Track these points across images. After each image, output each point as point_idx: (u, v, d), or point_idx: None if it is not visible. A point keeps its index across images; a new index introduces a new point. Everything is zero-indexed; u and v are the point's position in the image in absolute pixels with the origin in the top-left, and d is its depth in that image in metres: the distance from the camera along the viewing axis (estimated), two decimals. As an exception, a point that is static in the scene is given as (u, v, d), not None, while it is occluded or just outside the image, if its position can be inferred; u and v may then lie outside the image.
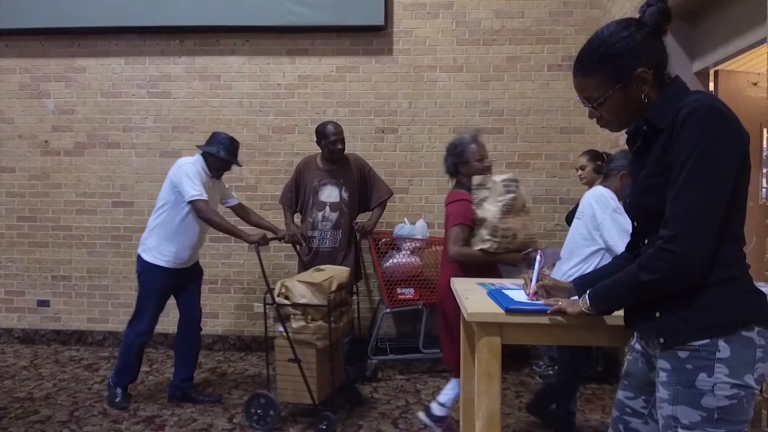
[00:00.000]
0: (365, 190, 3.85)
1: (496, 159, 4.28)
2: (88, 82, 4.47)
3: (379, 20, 4.19)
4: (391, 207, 4.35)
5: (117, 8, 4.25)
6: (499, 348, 1.58)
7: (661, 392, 1.26)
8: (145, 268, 3.21)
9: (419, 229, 4.00)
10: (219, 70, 4.40)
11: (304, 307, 2.89)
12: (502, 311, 1.57)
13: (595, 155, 3.65)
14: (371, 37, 4.31)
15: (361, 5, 4.17)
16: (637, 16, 1.34)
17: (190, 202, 3.09)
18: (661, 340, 1.26)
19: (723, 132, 1.19)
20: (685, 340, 1.22)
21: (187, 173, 3.10)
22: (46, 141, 4.51)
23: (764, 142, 3.44)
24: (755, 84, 3.43)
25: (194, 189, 3.07)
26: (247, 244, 3.47)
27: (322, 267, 3.22)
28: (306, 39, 4.34)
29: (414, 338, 4.12)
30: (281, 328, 2.90)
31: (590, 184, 3.63)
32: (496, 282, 2.11)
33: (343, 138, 3.68)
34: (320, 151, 3.74)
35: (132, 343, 3.24)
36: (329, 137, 3.62)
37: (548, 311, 1.52)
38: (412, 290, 3.83)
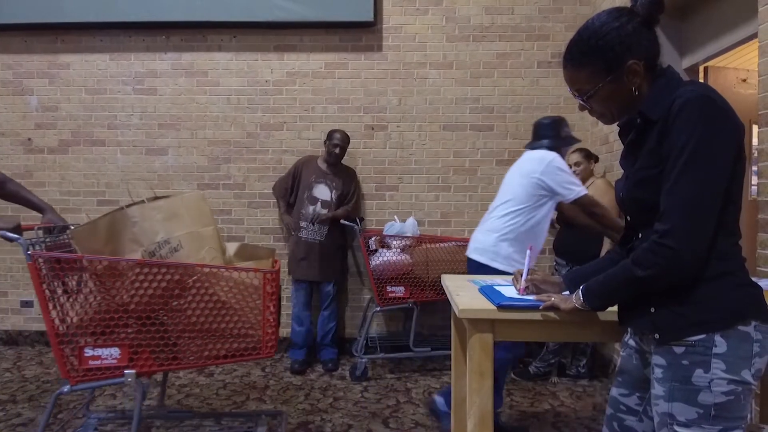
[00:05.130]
0: (346, 199, 4.06)
1: (486, 156, 4.28)
2: (72, 78, 4.40)
3: (369, 16, 4.15)
4: (381, 205, 4.33)
5: (101, 3, 4.18)
6: (491, 345, 1.55)
7: (656, 389, 1.24)
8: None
9: (409, 227, 3.98)
10: (206, 67, 4.35)
11: None
12: (494, 308, 1.54)
13: (588, 154, 3.66)
14: (360, 33, 4.27)
15: (350, 1, 4.13)
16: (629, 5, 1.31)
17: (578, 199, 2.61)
18: (656, 336, 1.24)
19: (718, 123, 1.17)
20: (680, 336, 1.20)
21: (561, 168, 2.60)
22: (29, 138, 4.43)
23: (754, 139, 3.45)
24: (744, 80, 3.44)
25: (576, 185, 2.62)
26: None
27: None
28: (294, 35, 4.29)
29: (404, 337, 4.10)
30: None
31: (583, 182, 3.63)
32: (488, 279, 2.08)
33: (345, 147, 3.96)
34: (323, 152, 4.02)
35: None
36: (332, 140, 3.91)
37: (541, 307, 1.49)
38: (402, 288, 3.80)
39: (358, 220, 3.92)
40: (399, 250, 3.86)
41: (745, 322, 1.18)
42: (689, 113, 1.17)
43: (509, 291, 1.70)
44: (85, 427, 2.67)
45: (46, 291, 2.02)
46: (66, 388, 2.09)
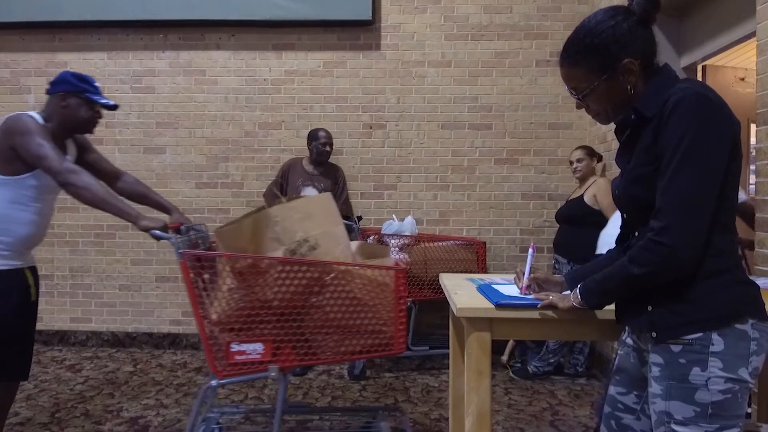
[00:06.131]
0: (336, 197, 4.02)
1: (484, 155, 4.28)
2: (70, 77, 4.38)
3: (367, 15, 4.15)
4: (379, 204, 4.33)
5: (99, 2, 4.18)
6: (489, 344, 1.55)
7: (654, 387, 1.24)
8: None
9: (407, 225, 3.97)
10: (204, 65, 4.34)
11: None
12: (492, 306, 1.54)
13: (591, 151, 3.66)
14: (359, 31, 4.27)
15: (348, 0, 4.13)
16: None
17: None
18: (654, 335, 1.24)
19: (713, 120, 1.17)
20: (677, 334, 1.20)
21: None
22: (26, 137, 4.41)
23: (752, 138, 3.45)
24: (743, 79, 3.44)
25: None
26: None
27: None
28: (292, 34, 4.29)
29: (403, 336, 4.09)
30: None
31: (584, 179, 3.64)
32: (486, 277, 2.08)
33: (332, 143, 3.95)
34: (308, 154, 3.99)
35: None
36: (320, 139, 3.88)
37: (538, 306, 1.49)
38: (400, 287, 3.80)
39: (356, 219, 3.91)
40: (397, 248, 3.86)
41: (742, 320, 1.17)
42: (684, 110, 1.17)
43: (507, 290, 1.70)
44: (208, 422, 2.71)
45: (196, 288, 2.10)
46: (214, 383, 2.21)
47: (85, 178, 2.12)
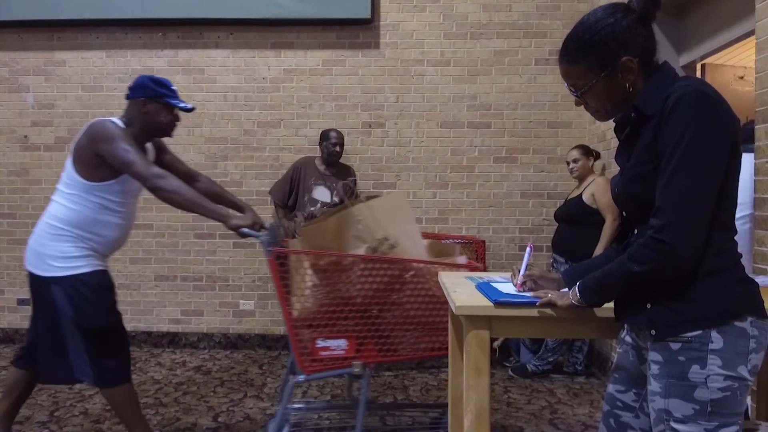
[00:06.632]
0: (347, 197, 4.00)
1: (483, 154, 4.27)
2: (69, 75, 4.38)
3: (366, 13, 4.15)
4: (378, 202, 4.32)
5: (98, 0, 4.17)
6: (488, 342, 1.55)
7: (653, 385, 1.23)
8: None
9: (407, 224, 3.97)
10: (203, 64, 4.34)
11: None
12: (490, 304, 1.53)
13: (587, 150, 3.65)
14: (358, 30, 4.26)
15: (347, -2, 4.13)
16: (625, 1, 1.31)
17: None
18: (653, 332, 1.24)
19: (713, 118, 1.16)
20: (677, 332, 1.20)
21: None
22: (25, 136, 4.41)
23: (751, 136, 3.45)
24: (742, 78, 3.44)
25: None
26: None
27: None
28: (291, 32, 4.28)
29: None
30: None
31: (582, 179, 3.63)
32: (485, 275, 2.08)
33: (343, 144, 3.94)
34: (319, 153, 3.99)
35: None
36: (330, 140, 3.89)
37: (537, 303, 1.49)
38: (399, 286, 3.80)
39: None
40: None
41: (741, 317, 1.17)
42: (684, 108, 1.16)
43: (506, 287, 1.70)
44: (282, 416, 2.73)
45: (284, 286, 2.16)
46: (301, 378, 2.25)
47: (174, 182, 2.16)
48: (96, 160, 2.19)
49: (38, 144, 4.41)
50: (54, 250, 2.21)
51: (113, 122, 2.24)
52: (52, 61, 4.38)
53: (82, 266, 2.23)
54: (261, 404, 3.23)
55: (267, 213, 4.34)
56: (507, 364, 3.94)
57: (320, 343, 2.19)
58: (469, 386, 1.56)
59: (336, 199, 3.89)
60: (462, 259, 2.31)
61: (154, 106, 2.29)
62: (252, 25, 4.25)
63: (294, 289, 2.20)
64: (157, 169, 2.17)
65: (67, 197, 2.24)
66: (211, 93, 4.34)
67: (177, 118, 2.38)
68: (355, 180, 4.10)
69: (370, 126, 4.31)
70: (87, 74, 4.37)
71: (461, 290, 1.75)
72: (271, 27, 4.26)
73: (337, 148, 3.89)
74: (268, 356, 4.19)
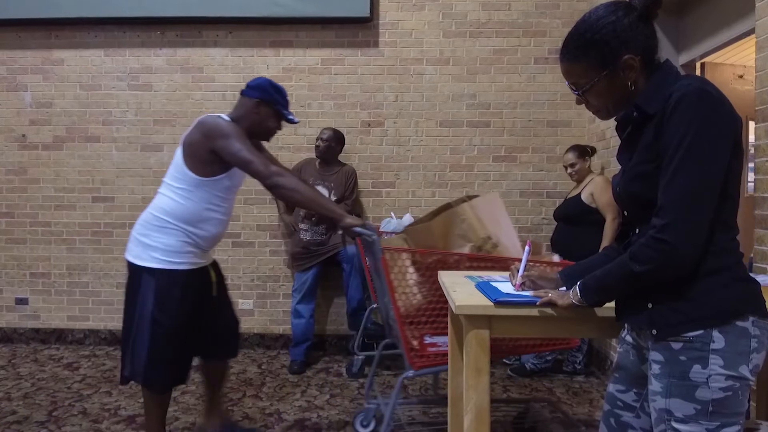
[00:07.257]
0: (344, 198, 4.03)
1: (482, 153, 4.27)
2: (67, 74, 4.37)
3: (365, 12, 4.14)
4: (377, 201, 4.32)
5: (96, -2, 4.16)
6: (488, 341, 1.54)
7: (654, 385, 1.23)
8: None
9: (406, 223, 3.96)
10: (201, 62, 4.32)
11: None
12: (490, 303, 1.53)
13: (582, 151, 3.64)
14: (357, 29, 4.25)
15: (346, -3, 4.12)
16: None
17: None
18: (654, 332, 1.23)
19: (715, 117, 1.16)
20: (678, 331, 1.19)
21: None
22: (23, 135, 4.40)
23: (751, 136, 3.44)
24: (741, 77, 3.44)
25: None
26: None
27: None
28: (290, 31, 4.27)
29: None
30: None
31: (581, 180, 3.63)
32: (484, 275, 2.08)
33: (330, 143, 3.91)
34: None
35: None
36: (321, 135, 3.95)
37: (537, 303, 1.48)
38: (399, 285, 3.79)
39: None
40: (396, 246, 3.85)
41: (743, 317, 1.17)
42: (686, 107, 1.16)
43: (506, 287, 1.69)
44: (366, 412, 2.79)
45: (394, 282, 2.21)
46: (410, 373, 2.28)
47: (292, 180, 2.19)
48: (210, 157, 2.20)
49: (36, 143, 4.40)
50: (159, 242, 2.21)
51: (224, 118, 2.26)
52: (50, 60, 4.37)
53: (182, 263, 2.24)
54: (260, 403, 3.22)
55: (266, 210, 4.33)
56: (507, 362, 3.94)
57: (428, 339, 2.21)
58: (469, 386, 1.56)
59: (333, 199, 3.89)
60: (556, 258, 2.33)
61: (266, 110, 2.33)
62: (251, 23, 4.24)
63: (396, 287, 2.22)
64: (274, 167, 2.20)
65: (175, 191, 2.26)
66: (210, 92, 4.33)
67: (280, 128, 2.43)
68: (355, 179, 4.09)
69: (369, 125, 4.30)
70: (85, 73, 4.36)
71: (461, 290, 1.74)
72: (270, 26, 4.25)
73: (318, 143, 3.91)
74: (267, 355, 4.18)
